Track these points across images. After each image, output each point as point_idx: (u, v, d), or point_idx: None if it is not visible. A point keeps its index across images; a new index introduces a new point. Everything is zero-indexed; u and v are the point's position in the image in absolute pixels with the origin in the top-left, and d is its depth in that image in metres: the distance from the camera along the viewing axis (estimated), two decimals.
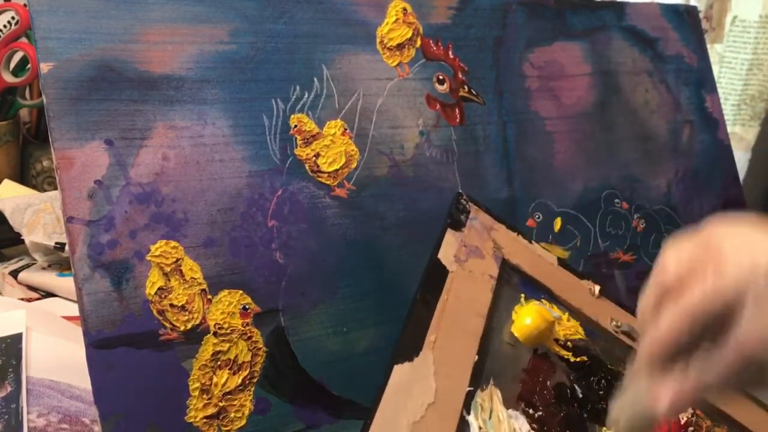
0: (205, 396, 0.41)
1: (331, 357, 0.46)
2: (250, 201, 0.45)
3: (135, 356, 0.40)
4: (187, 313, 0.42)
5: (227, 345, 0.43)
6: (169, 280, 0.41)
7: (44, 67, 0.40)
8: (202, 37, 0.45)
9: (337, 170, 0.48)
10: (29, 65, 0.80)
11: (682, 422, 0.51)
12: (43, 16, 0.41)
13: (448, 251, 0.48)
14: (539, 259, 0.52)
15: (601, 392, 0.49)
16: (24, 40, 0.79)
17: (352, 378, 0.47)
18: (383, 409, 0.39)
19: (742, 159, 1.11)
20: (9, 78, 0.79)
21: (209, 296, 0.42)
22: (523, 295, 0.50)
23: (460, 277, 0.47)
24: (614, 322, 0.52)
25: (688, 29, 0.72)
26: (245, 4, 0.47)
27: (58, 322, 0.57)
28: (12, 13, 0.79)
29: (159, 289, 0.41)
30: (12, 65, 0.80)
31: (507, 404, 0.45)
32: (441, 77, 0.54)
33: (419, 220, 0.51)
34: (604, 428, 0.48)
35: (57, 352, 0.52)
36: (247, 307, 0.43)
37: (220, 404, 0.42)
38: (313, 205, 0.47)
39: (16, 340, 0.51)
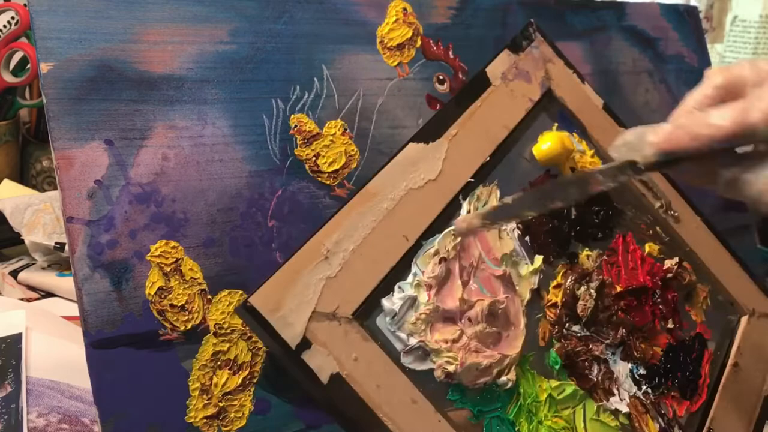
0: (205, 396, 0.41)
1: None
2: (250, 201, 0.45)
3: (135, 356, 0.40)
4: (187, 313, 0.42)
5: (227, 345, 0.43)
6: (169, 280, 0.41)
7: (44, 67, 0.40)
8: (202, 37, 0.45)
9: (337, 170, 0.48)
10: (29, 65, 0.80)
11: (665, 267, 0.56)
12: (43, 16, 0.41)
13: (497, 67, 0.52)
14: (586, 99, 0.57)
15: (597, 221, 0.54)
16: (24, 40, 0.79)
17: None
18: (387, 171, 0.44)
19: None
20: (9, 78, 0.79)
21: (209, 296, 0.42)
22: (556, 124, 0.55)
23: (500, 92, 0.51)
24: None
25: (689, 29, 0.72)
26: (245, 4, 0.47)
27: (57, 322, 0.57)
28: (12, 13, 0.79)
29: (159, 289, 0.41)
30: (12, 65, 0.80)
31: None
32: (441, 77, 0.54)
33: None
34: (586, 250, 0.52)
35: (57, 352, 0.52)
36: None
37: (220, 404, 0.42)
38: (313, 205, 0.47)
39: (15, 340, 0.51)
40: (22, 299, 0.64)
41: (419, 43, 0.53)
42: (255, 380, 0.43)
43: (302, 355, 0.38)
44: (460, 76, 0.55)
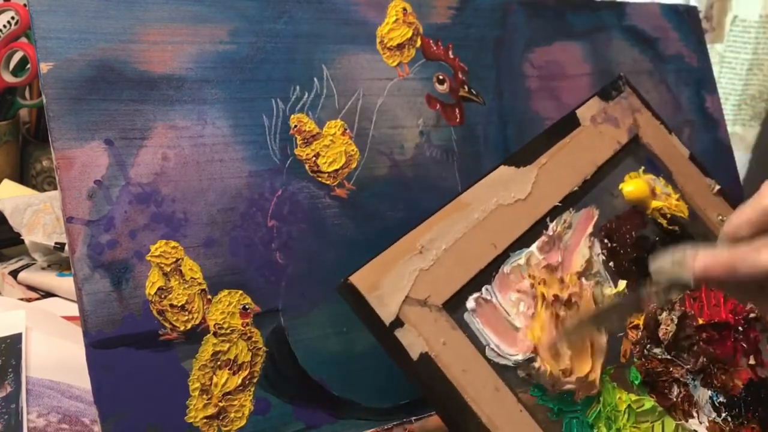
0: (205, 396, 0.41)
1: (331, 357, 0.46)
2: (250, 201, 0.45)
3: (135, 356, 0.40)
4: (187, 313, 0.42)
5: (227, 345, 0.43)
6: (169, 280, 0.41)
7: (44, 67, 0.40)
8: (202, 37, 0.45)
9: (337, 170, 0.48)
10: (29, 65, 0.80)
11: (748, 307, 0.55)
12: (42, 16, 0.41)
13: (587, 111, 0.54)
14: (672, 148, 0.58)
15: None
16: (24, 40, 0.79)
17: (352, 378, 0.47)
18: (479, 186, 0.46)
19: (742, 159, 1.11)
20: (9, 78, 0.79)
21: (209, 296, 0.42)
22: (642, 168, 0.56)
23: (589, 132, 0.54)
24: (720, 217, 0.57)
25: (688, 29, 0.72)
26: (245, 4, 0.47)
27: (58, 322, 0.57)
28: (12, 13, 0.79)
29: (159, 289, 0.41)
30: (12, 65, 0.80)
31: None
32: (441, 77, 0.54)
33: (419, 219, 0.51)
34: None
35: (57, 352, 0.52)
36: (247, 307, 0.43)
37: (220, 404, 0.42)
38: (313, 205, 0.47)
39: (15, 340, 0.51)
40: (22, 299, 0.64)
41: (419, 43, 0.53)
42: (255, 380, 0.43)
43: (395, 332, 0.40)
44: (460, 76, 0.55)
